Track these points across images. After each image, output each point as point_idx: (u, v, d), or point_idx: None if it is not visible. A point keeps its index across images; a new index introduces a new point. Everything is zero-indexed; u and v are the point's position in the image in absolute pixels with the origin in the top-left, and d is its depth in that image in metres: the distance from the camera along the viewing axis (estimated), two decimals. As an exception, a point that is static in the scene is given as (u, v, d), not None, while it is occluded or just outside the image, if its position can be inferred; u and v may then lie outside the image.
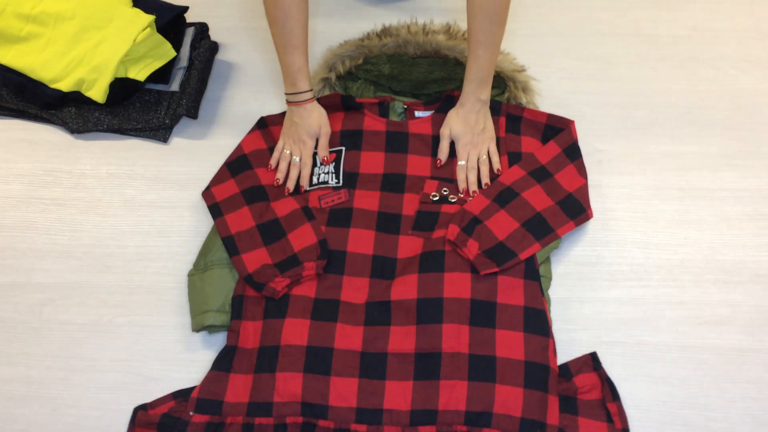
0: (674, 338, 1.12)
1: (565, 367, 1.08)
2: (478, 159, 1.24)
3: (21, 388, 1.12)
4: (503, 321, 1.08)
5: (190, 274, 1.18)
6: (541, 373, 1.04)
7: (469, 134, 1.24)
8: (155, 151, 1.38)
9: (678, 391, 1.07)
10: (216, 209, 1.23)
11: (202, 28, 1.49)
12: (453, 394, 1.02)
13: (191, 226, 1.28)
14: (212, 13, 1.58)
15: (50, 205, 1.32)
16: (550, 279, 1.16)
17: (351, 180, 1.25)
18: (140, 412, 1.06)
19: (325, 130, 1.28)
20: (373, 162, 1.27)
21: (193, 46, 1.46)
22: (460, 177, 1.24)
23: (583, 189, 1.22)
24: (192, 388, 1.08)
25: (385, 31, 1.41)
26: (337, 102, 1.31)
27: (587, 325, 1.15)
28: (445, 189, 1.23)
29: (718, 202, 1.26)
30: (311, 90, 1.26)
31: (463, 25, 1.47)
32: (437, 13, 1.54)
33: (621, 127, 1.36)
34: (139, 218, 1.29)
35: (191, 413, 1.04)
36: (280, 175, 1.25)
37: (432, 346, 1.06)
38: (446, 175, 1.25)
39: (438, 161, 1.25)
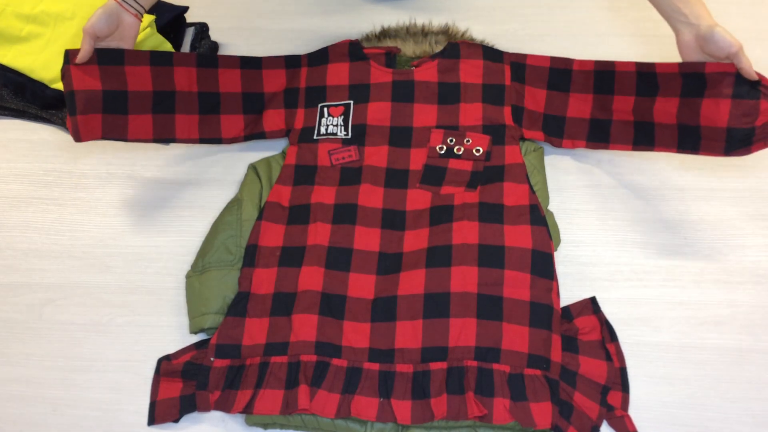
0: (674, 338, 1.12)
1: (566, 309, 1.12)
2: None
3: (21, 388, 1.12)
4: (511, 262, 1.10)
5: (188, 276, 1.18)
6: (546, 313, 1.06)
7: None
8: (155, 151, 1.38)
9: (678, 391, 1.07)
10: None
11: (202, 28, 1.49)
12: (463, 331, 1.05)
13: (191, 226, 1.28)
14: (212, 13, 1.58)
15: (50, 205, 1.32)
16: (558, 238, 1.20)
17: (359, 132, 1.27)
18: (164, 362, 1.10)
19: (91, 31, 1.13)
20: (379, 113, 1.28)
21: (193, 46, 1.46)
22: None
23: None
24: (210, 339, 1.11)
25: (384, 33, 1.42)
26: (345, 51, 1.33)
27: (587, 325, 1.14)
28: (450, 138, 1.24)
29: (718, 202, 1.26)
30: None
31: (461, 26, 1.47)
32: (436, 13, 1.54)
33: (621, 127, 1.35)
34: (139, 218, 1.29)
35: (212, 359, 1.08)
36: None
37: (441, 287, 1.09)
38: (451, 123, 1.26)
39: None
